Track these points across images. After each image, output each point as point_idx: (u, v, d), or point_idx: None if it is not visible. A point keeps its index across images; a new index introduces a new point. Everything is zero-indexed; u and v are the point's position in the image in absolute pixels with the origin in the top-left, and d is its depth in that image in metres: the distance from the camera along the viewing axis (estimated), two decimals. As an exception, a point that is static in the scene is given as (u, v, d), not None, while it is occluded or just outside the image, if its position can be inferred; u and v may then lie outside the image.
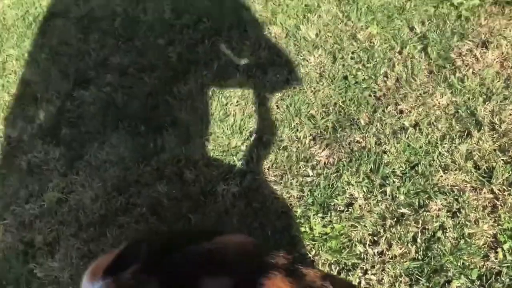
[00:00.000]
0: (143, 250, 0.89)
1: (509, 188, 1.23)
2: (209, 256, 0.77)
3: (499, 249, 1.14)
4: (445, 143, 1.35)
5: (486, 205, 1.22)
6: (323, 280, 0.72)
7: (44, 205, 1.46)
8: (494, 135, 1.33)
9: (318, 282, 0.71)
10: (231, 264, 0.74)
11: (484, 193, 1.25)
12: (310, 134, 1.46)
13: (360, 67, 1.59)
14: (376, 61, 1.58)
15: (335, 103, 1.51)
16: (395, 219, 1.24)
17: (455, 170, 1.29)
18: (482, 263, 1.13)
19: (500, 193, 1.23)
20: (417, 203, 1.26)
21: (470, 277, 1.12)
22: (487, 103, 1.40)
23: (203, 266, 0.74)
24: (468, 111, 1.40)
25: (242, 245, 0.78)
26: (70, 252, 1.33)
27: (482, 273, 1.13)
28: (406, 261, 1.16)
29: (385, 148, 1.37)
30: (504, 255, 1.13)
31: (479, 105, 1.41)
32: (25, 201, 1.48)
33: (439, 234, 1.18)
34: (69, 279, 1.28)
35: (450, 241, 1.16)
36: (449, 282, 1.12)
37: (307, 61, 1.64)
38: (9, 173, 1.57)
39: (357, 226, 1.25)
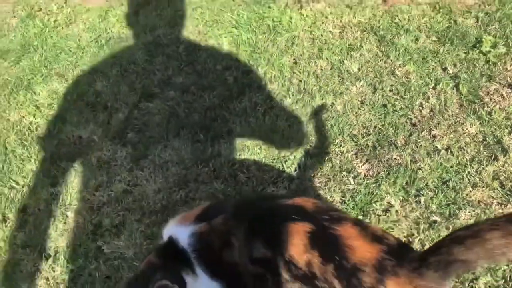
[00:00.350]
0: (230, 204, 1.07)
1: (532, 203, 1.40)
2: (290, 208, 0.95)
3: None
4: (474, 165, 1.53)
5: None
6: (384, 232, 0.89)
7: (111, 194, 1.65)
8: (519, 160, 1.51)
9: (380, 232, 0.88)
10: (308, 214, 0.92)
11: (509, 208, 1.41)
12: (352, 150, 1.65)
13: (398, 98, 1.80)
14: (412, 94, 1.80)
15: (375, 126, 1.71)
16: (428, 224, 1.40)
17: (483, 187, 1.46)
18: (506, 265, 1.28)
19: (524, 208, 1.39)
20: (447, 213, 1.42)
21: (495, 276, 1.27)
22: (512, 134, 1.59)
23: (286, 215, 0.92)
24: (495, 140, 1.59)
25: (315, 203, 0.96)
26: (134, 234, 1.51)
27: (506, 274, 1.27)
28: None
29: (420, 166, 1.56)
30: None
31: (505, 135, 1.60)
32: (94, 189, 1.68)
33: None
34: (133, 255, 1.45)
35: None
36: (476, 279, 1.27)
37: (350, 90, 1.87)
38: (80, 167, 1.78)
39: (393, 228, 1.41)
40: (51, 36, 2.44)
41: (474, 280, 1.27)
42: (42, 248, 1.53)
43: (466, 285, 1.25)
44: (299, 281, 0.89)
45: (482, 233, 0.69)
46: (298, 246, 0.88)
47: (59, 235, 1.56)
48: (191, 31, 2.32)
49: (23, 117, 2.01)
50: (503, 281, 1.26)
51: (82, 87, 2.09)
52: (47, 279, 1.46)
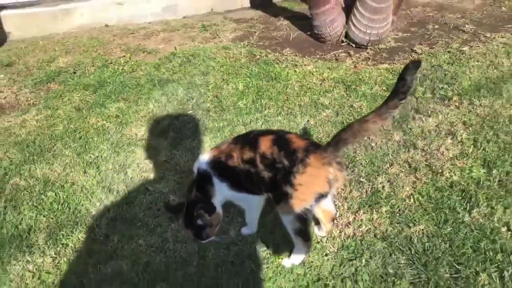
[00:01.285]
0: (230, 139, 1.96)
1: None
2: (262, 131, 1.84)
3: None
4: (393, 154, 2.38)
5: None
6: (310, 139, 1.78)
7: (157, 162, 2.54)
8: None
9: (307, 138, 1.77)
10: (272, 131, 1.81)
11: (410, 178, 2.24)
12: None
13: (352, 119, 2.71)
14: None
15: (334, 133, 2.61)
16: (358, 183, 2.23)
17: (397, 165, 2.31)
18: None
19: None
20: (371, 178, 2.25)
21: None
22: None
23: (260, 133, 1.81)
24: (410, 142, 2.46)
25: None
26: (170, 182, 2.36)
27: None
28: None
29: (358, 154, 2.42)
30: None
31: (418, 140, 2.47)
32: (145, 158, 2.57)
33: None
34: (168, 192, 2.30)
35: None
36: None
37: (321, 114, 2.79)
38: (137, 150, 2.68)
39: None
40: (119, 77, 3.50)
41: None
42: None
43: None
44: (267, 168, 1.74)
45: (354, 125, 1.59)
46: (266, 145, 1.74)
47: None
48: (218, 78, 3.35)
49: (98, 121, 2.97)
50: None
51: (139, 106, 3.08)
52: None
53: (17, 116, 3.08)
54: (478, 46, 3.50)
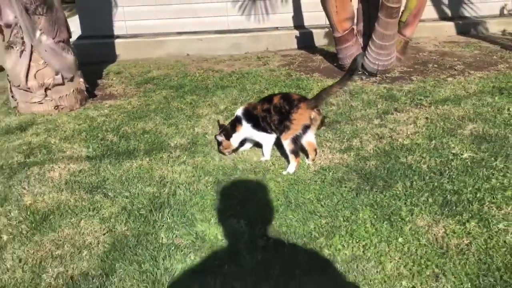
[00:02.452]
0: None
1: None
2: (277, 93, 3.23)
3: None
4: (370, 124, 3.64)
5: None
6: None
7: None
8: None
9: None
10: (282, 93, 3.20)
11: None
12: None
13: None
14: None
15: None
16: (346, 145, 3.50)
17: (372, 140, 3.56)
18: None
19: None
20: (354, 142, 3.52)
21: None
22: None
23: (275, 94, 3.21)
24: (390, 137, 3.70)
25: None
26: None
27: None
28: None
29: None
30: None
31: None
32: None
33: None
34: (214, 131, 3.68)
35: None
36: None
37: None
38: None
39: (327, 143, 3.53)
40: (194, 83, 5.01)
41: (348, 150, 3.32)
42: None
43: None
44: (277, 113, 3.11)
45: (327, 89, 2.97)
46: (277, 100, 3.10)
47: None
48: (262, 86, 4.77)
49: (178, 105, 4.44)
50: (359, 152, 3.30)
51: (206, 98, 4.54)
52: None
53: (125, 100, 4.65)
54: (460, 78, 4.71)
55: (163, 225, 2.57)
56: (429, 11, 6.63)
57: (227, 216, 2.62)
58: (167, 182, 3.01)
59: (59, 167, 3.28)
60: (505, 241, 2.30)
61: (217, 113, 4.12)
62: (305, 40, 6.29)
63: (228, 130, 3.23)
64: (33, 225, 2.63)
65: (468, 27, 6.62)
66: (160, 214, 2.67)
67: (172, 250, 2.36)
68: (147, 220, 2.62)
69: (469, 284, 2.04)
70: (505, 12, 6.75)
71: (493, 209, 2.56)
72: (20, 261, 2.34)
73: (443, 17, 6.77)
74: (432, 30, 6.49)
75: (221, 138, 3.21)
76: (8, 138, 3.82)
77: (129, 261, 2.30)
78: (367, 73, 4.96)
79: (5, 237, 2.54)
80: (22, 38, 4.11)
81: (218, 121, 3.52)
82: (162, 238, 2.47)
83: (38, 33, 4.13)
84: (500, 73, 4.77)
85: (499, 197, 2.65)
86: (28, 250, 2.42)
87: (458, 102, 4.03)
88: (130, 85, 5.09)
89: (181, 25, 6.34)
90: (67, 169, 3.25)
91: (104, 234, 2.53)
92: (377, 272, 2.14)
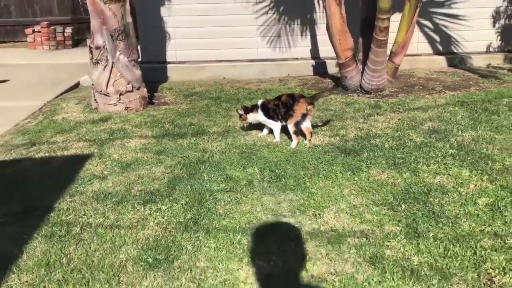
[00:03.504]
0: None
1: None
2: (284, 94, 4.75)
3: None
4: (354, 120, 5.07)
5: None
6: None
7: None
8: None
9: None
10: (288, 94, 4.72)
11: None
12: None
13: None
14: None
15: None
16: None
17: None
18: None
19: None
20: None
21: (341, 135, 4.75)
22: None
23: (282, 94, 4.73)
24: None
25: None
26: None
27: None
28: None
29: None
30: None
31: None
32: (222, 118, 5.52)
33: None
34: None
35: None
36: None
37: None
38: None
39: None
40: (228, 96, 6.58)
41: (335, 135, 4.76)
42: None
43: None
44: (283, 107, 4.62)
45: (320, 93, 4.49)
46: (284, 98, 4.61)
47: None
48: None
49: (226, 108, 6.00)
50: (343, 136, 4.74)
51: (237, 105, 6.09)
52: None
53: (176, 105, 6.24)
54: (435, 95, 6.09)
55: (205, 170, 4.04)
56: (425, 47, 8.08)
57: (246, 166, 4.07)
58: (207, 151, 4.50)
59: (133, 140, 4.84)
60: (424, 181, 3.65)
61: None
62: (320, 68, 7.81)
63: (248, 109, 4.72)
64: (121, 169, 4.15)
65: (458, 61, 8.01)
66: (203, 165, 4.14)
67: (211, 181, 3.81)
68: (195, 168, 4.09)
69: (392, 198, 3.40)
70: (491, 49, 8.11)
71: (424, 167, 3.91)
72: (116, 183, 3.85)
73: (436, 52, 8.18)
74: (426, 63, 7.91)
75: (241, 112, 4.70)
76: (95, 125, 5.43)
77: (183, 184, 3.77)
78: (364, 91, 6.40)
79: (106, 173, 4.07)
80: (106, 57, 5.79)
81: (242, 104, 5.04)
82: (204, 175, 3.93)
83: (118, 53, 5.80)
84: (468, 93, 6.12)
85: (432, 162, 4.00)
86: (120, 179, 3.94)
87: (427, 110, 5.42)
88: (179, 96, 6.70)
89: (220, 55, 7.99)
90: (139, 142, 4.80)
91: (167, 173, 4.02)
92: (337, 193, 3.53)
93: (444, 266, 2.62)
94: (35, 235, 3.11)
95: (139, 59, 6.22)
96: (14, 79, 8.48)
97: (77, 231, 3.15)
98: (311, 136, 4.62)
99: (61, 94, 7.38)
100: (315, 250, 2.82)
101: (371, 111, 5.52)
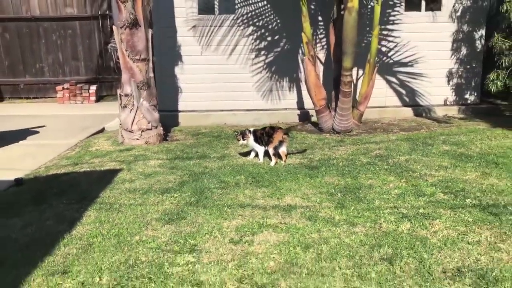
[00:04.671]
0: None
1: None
2: (266, 127, 6.51)
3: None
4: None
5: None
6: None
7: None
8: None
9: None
10: (272, 127, 6.49)
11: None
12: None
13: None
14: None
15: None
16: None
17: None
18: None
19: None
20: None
21: (308, 158, 6.43)
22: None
23: (265, 127, 6.49)
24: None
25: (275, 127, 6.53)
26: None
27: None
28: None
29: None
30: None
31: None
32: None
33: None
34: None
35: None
36: None
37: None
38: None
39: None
40: (227, 134, 8.35)
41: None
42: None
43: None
44: (266, 136, 6.37)
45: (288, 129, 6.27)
46: (267, 129, 6.38)
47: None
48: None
49: (226, 133, 7.74)
50: (309, 159, 6.43)
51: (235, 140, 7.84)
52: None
53: (185, 141, 7.96)
54: (390, 135, 7.80)
55: (205, 178, 5.67)
56: (393, 100, 9.89)
57: (235, 176, 5.72)
58: (208, 167, 6.17)
59: (152, 161, 6.54)
60: (359, 182, 5.28)
61: (237, 147, 7.35)
62: (304, 116, 9.60)
63: (243, 134, 6.40)
64: (144, 176, 5.81)
65: (421, 111, 9.78)
66: (204, 175, 5.77)
67: (209, 183, 5.46)
68: (198, 176, 5.72)
69: (333, 190, 5.03)
70: (448, 102, 9.91)
71: (362, 175, 5.54)
72: (141, 184, 5.51)
73: (403, 104, 9.97)
74: (393, 113, 9.67)
75: (239, 136, 6.38)
76: (122, 153, 7.14)
77: (189, 184, 5.42)
78: (335, 132, 8.14)
79: (133, 178, 5.74)
80: (133, 102, 7.62)
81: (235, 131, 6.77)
82: (205, 181, 5.57)
83: (141, 99, 7.65)
84: (417, 133, 7.84)
85: (369, 173, 5.63)
86: (144, 182, 5.60)
87: (379, 143, 7.11)
88: (188, 135, 8.47)
89: (222, 105, 9.83)
90: (157, 162, 6.48)
91: (178, 179, 5.67)
92: (296, 188, 5.15)
93: (353, 220, 4.20)
94: (89, 209, 4.74)
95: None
96: (49, 125, 10.32)
97: (117, 207, 4.77)
98: (286, 158, 6.30)
99: (91, 135, 9.17)
100: (275, 213, 4.42)
101: (336, 144, 7.21)
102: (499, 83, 7.56)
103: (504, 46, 7.38)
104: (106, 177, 5.80)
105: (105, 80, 14.35)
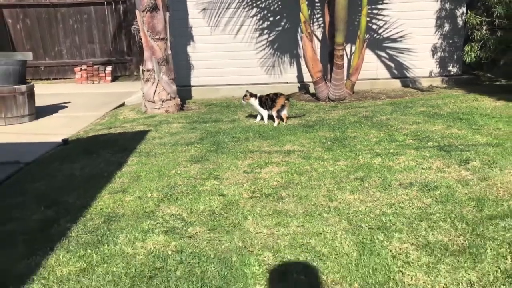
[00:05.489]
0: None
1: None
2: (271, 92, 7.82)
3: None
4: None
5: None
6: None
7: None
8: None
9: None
10: (274, 92, 7.80)
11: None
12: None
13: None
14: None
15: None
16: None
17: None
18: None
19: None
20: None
21: (306, 119, 7.75)
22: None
23: (270, 93, 7.80)
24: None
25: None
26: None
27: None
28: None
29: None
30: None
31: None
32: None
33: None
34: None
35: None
36: None
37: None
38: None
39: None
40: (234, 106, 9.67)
41: (302, 119, 7.77)
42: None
43: (299, 118, 7.77)
44: (270, 100, 7.69)
45: (293, 93, 7.58)
46: (271, 94, 7.67)
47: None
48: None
49: (231, 115, 9.05)
50: (306, 119, 7.74)
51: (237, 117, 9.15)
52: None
53: (199, 110, 9.29)
54: (377, 101, 9.08)
55: (220, 135, 6.99)
56: (383, 73, 11.14)
57: (245, 133, 7.05)
58: (222, 128, 7.49)
59: (174, 124, 7.86)
60: (346, 135, 6.61)
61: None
62: (303, 88, 10.91)
63: (251, 94, 7.69)
64: (170, 135, 7.13)
65: (409, 83, 11.05)
66: (219, 133, 7.10)
67: (224, 138, 6.79)
68: (214, 134, 7.04)
69: (324, 140, 6.36)
70: (432, 74, 11.16)
71: (349, 130, 6.85)
72: (169, 140, 6.86)
73: (393, 76, 11.22)
74: (384, 84, 10.93)
75: (247, 93, 7.69)
76: (147, 119, 8.46)
77: (208, 139, 6.75)
78: (330, 100, 9.44)
79: (162, 136, 7.08)
80: (154, 76, 8.93)
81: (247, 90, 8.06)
82: (220, 137, 6.89)
83: (161, 74, 8.96)
84: (401, 99, 9.12)
85: (355, 128, 6.93)
86: (171, 138, 6.94)
87: (366, 107, 8.41)
88: (201, 106, 9.78)
89: (230, 80, 11.11)
90: (178, 125, 7.81)
91: (198, 136, 6.99)
92: (295, 140, 6.48)
93: (338, 157, 5.51)
94: (131, 156, 6.07)
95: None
96: (74, 101, 11.63)
97: (153, 154, 6.11)
98: (287, 119, 7.61)
99: (114, 108, 10.49)
100: (277, 155, 5.75)
101: (330, 109, 8.52)
102: (472, 55, 8.78)
103: (475, 22, 8.59)
104: (138, 136, 7.12)
105: (119, 62, 15.62)
